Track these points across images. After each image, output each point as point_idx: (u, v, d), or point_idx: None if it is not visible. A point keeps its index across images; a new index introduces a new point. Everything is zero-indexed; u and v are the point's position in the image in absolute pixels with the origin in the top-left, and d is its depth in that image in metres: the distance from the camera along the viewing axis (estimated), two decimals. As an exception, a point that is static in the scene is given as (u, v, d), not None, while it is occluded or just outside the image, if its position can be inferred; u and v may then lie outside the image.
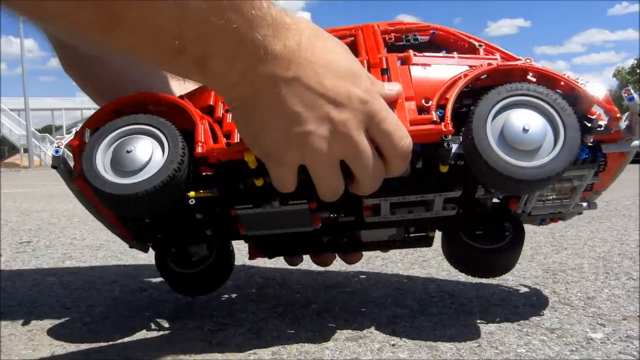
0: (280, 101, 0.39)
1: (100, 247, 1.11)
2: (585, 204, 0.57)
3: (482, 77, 0.48)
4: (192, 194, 0.48)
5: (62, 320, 0.57)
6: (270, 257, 0.63)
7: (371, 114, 0.42)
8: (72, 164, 0.49)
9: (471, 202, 0.54)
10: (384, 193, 0.49)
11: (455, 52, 0.53)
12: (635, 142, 0.48)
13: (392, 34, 0.56)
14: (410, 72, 0.49)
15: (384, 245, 0.61)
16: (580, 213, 0.59)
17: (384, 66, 0.50)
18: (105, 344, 0.50)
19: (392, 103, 0.46)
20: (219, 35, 0.36)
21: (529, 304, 0.60)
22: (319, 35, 0.42)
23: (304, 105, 0.39)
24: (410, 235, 0.59)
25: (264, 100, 0.39)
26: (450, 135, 0.45)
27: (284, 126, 0.40)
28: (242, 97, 0.40)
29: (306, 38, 0.40)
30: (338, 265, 0.75)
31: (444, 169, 0.47)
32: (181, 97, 0.51)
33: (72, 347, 0.49)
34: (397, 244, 0.60)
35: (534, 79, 0.48)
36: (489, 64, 0.48)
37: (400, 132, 0.43)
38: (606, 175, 0.52)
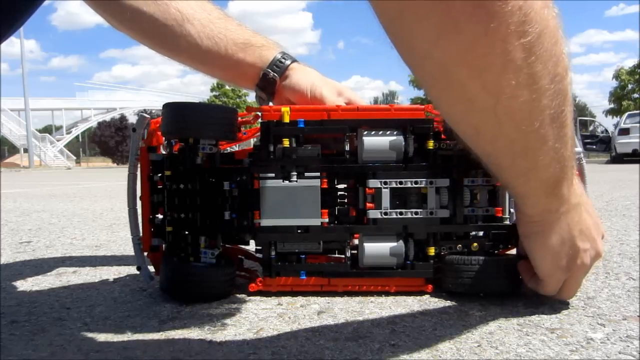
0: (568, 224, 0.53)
1: (100, 247, 1.11)
2: None
3: None
4: None
5: (62, 320, 0.57)
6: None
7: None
8: None
9: None
10: None
11: None
12: None
13: None
14: None
15: None
16: None
17: None
18: (105, 344, 0.50)
19: None
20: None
21: (529, 304, 0.60)
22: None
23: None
24: None
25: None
26: None
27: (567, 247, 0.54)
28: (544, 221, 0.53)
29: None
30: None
31: None
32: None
33: (72, 347, 0.49)
34: None
35: None
36: None
37: None
38: None
